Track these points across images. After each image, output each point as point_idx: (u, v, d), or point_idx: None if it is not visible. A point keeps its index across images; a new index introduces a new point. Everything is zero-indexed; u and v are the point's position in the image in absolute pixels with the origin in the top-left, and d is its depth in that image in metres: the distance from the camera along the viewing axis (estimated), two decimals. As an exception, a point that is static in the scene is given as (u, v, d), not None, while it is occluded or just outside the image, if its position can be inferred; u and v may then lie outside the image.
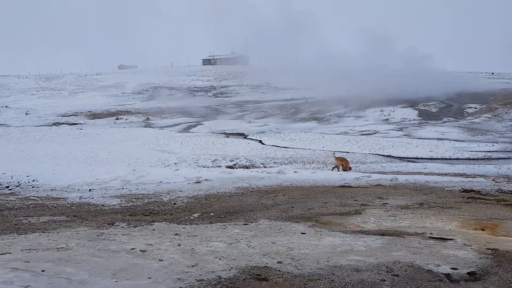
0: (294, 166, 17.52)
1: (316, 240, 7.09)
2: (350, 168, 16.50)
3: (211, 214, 9.47)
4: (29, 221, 8.76)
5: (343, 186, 12.81)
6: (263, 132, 31.05)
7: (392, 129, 31.41)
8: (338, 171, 16.25)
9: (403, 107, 40.31)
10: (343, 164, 16.53)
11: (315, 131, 31.03)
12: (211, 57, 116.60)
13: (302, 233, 7.55)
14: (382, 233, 7.50)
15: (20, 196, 11.87)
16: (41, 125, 39.43)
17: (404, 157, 20.32)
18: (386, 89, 44.73)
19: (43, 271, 5.43)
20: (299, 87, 58.08)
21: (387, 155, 20.62)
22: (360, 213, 9.23)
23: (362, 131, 31.11)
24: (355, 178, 14.08)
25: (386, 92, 43.59)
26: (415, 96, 42.75)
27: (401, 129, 31.30)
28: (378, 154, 20.84)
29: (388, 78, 50.61)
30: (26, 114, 47.20)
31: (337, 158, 16.84)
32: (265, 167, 17.51)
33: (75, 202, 11.09)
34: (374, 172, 15.89)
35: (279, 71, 74.29)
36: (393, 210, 9.44)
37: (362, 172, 15.70)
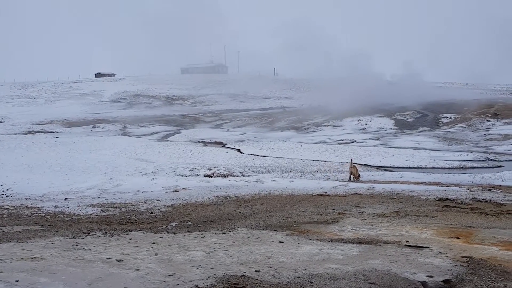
0: (272, 175, 17.56)
1: (294, 248, 7.10)
2: (359, 176, 16.47)
3: (189, 223, 9.42)
4: (3, 231, 8.58)
5: (321, 195, 12.87)
6: (241, 141, 31.08)
7: (369, 138, 31.74)
8: (352, 180, 16.14)
9: (380, 116, 40.80)
10: (353, 172, 16.43)
11: (293, 140, 31.17)
12: (190, 66, 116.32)
13: (280, 241, 7.56)
14: (359, 242, 7.56)
15: (-7, 206, 11.63)
16: (16, 133, 38.79)
17: (381, 166, 20.53)
18: (363, 99, 45.19)
19: (17, 281, 5.33)
20: (278, 96, 58.32)
21: (364, 164, 20.81)
22: (337, 221, 9.28)
23: (340, 140, 31.36)
24: (333, 187, 14.16)
25: (363, 102, 44.05)
26: (391, 106, 43.30)
27: (378, 138, 31.66)
28: (356, 163, 20.98)
29: (364, 88, 51.21)
30: (1, 122, 46.45)
31: (351, 167, 16.64)
32: (243, 175, 17.50)
33: (50, 211, 10.92)
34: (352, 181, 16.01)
35: (257, 80, 74.58)
36: (370, 219, 9.52)
37: (340, 181, 15.80)
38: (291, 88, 60.66)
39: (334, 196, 12.75)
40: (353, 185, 14.53)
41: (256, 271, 5.82)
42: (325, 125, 39.27)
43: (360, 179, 16.51)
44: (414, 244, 7.27)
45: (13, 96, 70.84)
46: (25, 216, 10.35)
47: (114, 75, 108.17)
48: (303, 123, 40.74)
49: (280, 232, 8.34)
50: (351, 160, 18.16)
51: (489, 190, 13.50)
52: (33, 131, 40.52)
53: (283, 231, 8.42)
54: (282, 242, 7.54)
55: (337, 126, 38.69)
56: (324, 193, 13.13)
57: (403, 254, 6.69)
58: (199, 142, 31.66)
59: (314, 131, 37.16)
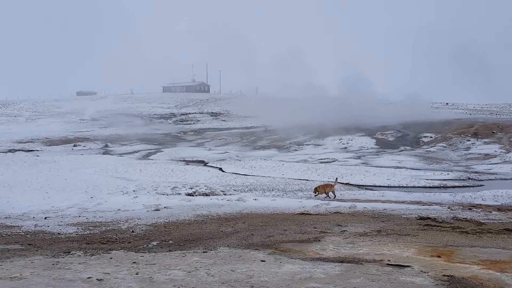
0: (254, 194, 17.53)
1: (275, 267, 7.10)
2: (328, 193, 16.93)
3: (170, 242, 9.36)
4: (-20, 251, 8.44)
5: (303, 214, 12.89)
6: (223, 160, 31.01)
7: (350, 157, 31.90)
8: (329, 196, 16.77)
9: (361, 135, 41.08)
10: (326, 190, 16.98)
11: (275, 159, 31.20)
12: (172, 85, 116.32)
13: (261, 260, 7.56)
14: (341, 260, 7.58)
15: (-30, 225, 11.42)
16: (-5, 152, 38.21)
17: (362, 185, 20.62)
18: (344, 118, 45.56)
19: (-6, 301, 5.24)
20: (259, 115, 58.49)
21: (346, 183, 20.89)
22: (319, 240, 9.30)
23: (321, 159, 31.47)
24: (315, 206, 14.20)
25: (344, 121, 44.40)
26: (372, 125, 43.66)
27: (359, 157, 31.83)
28: (337, 182, 21.08)
29: (344, 107, 51.73)
30: (-21, 140, 45.73)
31: (323, 186, 17.29)
32: (225, 194, 17.45)
33: (30, 230, 10.76)
34: (333, 200, 16.07)
35: (239, 99, 74.78)
36: (351, 237, 9.56)
37: (321, 200, 15.85)
38: (272, 106, 60.85)
39: (316, 214, 12.78)
40: (334, 203, 14.59)
41: (238, 290, 5.79)
42: (306, 144, 39.39)
43: (342, 197, 16.60)
44: (396, 263, 7.32)
45: (-7, 114, 70.00)
46: (4, 235, 10.18)
47: (95, 93, 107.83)
48: (285, 142, 40.84)
49: (262, 251, 8.33)
50: (336, 178, 18.71)
51: (470, 209, 13.66)
52: (13, 149, 39.90)
53: (265, 250, 8.42)
54: (264, 261, 7.53)
55: (318, 145, 38.86)
56: (306, 212, 13.16)
57: (385, 273, 6.72)
58: (180, 160, 31.50)
59: (296, 150, 37.24)
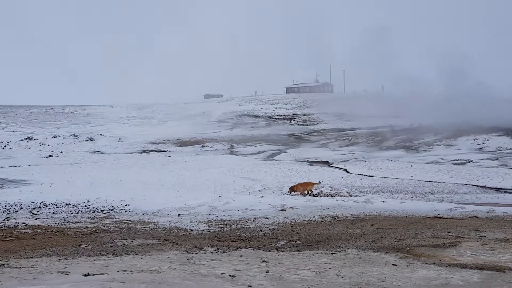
0: (381, 196, 17.04)
1: (408, 272, 6.80)
2: (311, 191, 17.71)
3: (298, 242, 9.37)
4: (124, 244, 9.10)
5: (435, 217, 12.25)
6: (348, 161, 30.60)
7: (486, 159, 29.78)
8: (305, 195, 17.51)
9: (499, 135, 38.08)
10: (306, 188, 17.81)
11: (403, 160, 30.10)
12: (295, 85, 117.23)
13: (393, 264, 7.28)
14: (480, 267, 7.08)
15: (114, 220, 12.38)
16: (132, 152, 41.24)
17: (501, 188, 19.14)
18: (480, 117, 42.44)
19: (138, 292, 5.58)
20: (385, 115, 56.82)
21: (482, 186, 19.55)
22: (455, 245, 8.76)
23: (454, 160, 29.75)
24: (448, 209, 13.45)
25: (479, 120, 41.38)
26: (508, 124, 40.29)
27: (496, 159, 29.60)
28: (472, 185, 19.81)
29: (480, 106, 48.25)
30: (119, 141, 49.62)
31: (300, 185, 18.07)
32: (350, 196, 17.17)
33: (166, 227, 11.40)
34: (468, 203, 15.08)
35: (364, 99, 73.25)
36: (491, 244, 8.88)
37: (455, 203, 14.95)
38: (399, 106, 58.77)
39: (449, 219, 12.08)
40: (470, 207, 13.69)
41: (370, 294, 5.62)
42: (437, 144, 37.45)
43: (478, 201, 15.54)
44: (545, 273, 6.66)
45: (130, 117, 75.48)
46: (143, 230, 10.90)
47: (221, 95, 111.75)
48: (413, 142, 39.24)
49: (393, 254, 8.03)
50: (319, 182, 19.06)
51: None
52: (147, 150, 42.81)
53: (396, 253, 8.11)
54: (396, 265, 7.25)
55: (450, 146, 36.77)
56: (438, 216, 12.49)
57: (533, 283, 6.14)
58: (304, 161, 31.61)
59: (426, 151, 35.59)
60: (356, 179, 22.11)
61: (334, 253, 8.15)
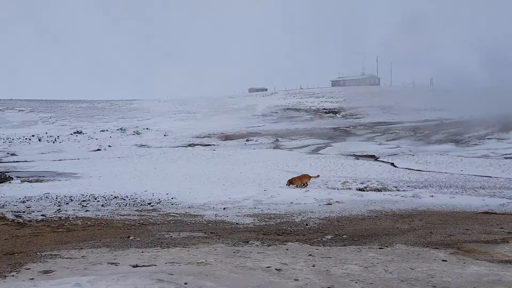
0: (430, 190, 16.64)
1: (459, 268, 6.62)
2: (306, 184, 17.77)
3: (344, 236, 9.27)
4: (171, 236, 9.24)
5: (487, 213, 11.88)
6: (395, 155, 30.06)
7: (541, 153, 28.68)
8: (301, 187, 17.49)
9: (556, 128, 36.59)
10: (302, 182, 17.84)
11: (452, 154, 29.31)
12: (340, 79, 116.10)
13: (443, 260, 7.12)
14: (537, 265, 6.81)
15: (161, 212, 12.59)
16: (177, 146, 41.85)
17: (557, 183, 18.38)
18: None
19: (185, 283, 5.65)
20: (434, 108, 55.50)
21: (536, 181, 18.82)
22: (508, 241, 8.48)
23: (506, 154, 28.74)
24: (500, 205, 13.01)
25: None
26: None
27: (553, 153, 28.45)
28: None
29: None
30: (164, 135, 50.50)
31: (298, 177, 18.12)
32: (398, 190, 16.85)
33: (211, 220, 11.52)
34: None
35: (411, 91, 71.76)
36: (548, 241, 8.53)
37: (508, 198, 14.45)
38: (448, 98, 57.23)
39: (502, 214, 11.69)
40: (523, 203, 13.21)
41: (419, 290, 5.50)
42: (488, 138, 36.29)
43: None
44: None
45: (175, 111, 76.72)
46: (189, 223, 11.04)
47: (266, 89, 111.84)
48: (463, 135, 38.16)
49: (443, 250, 7.85)
50: (318, 175, 18.98)
51: None
52: (192, 144, 43.36)
53: (446, 249, 7.91)
54: (446, 260, 7.08)
55: (502, 139, 35.52)
56: (490, 211, 12.11)
57: None
58: (350, 155, 31.24)
59: (476, 144, 34.55)
60: (403, 173, 21.70)
61: (382, 248, 8.02)
